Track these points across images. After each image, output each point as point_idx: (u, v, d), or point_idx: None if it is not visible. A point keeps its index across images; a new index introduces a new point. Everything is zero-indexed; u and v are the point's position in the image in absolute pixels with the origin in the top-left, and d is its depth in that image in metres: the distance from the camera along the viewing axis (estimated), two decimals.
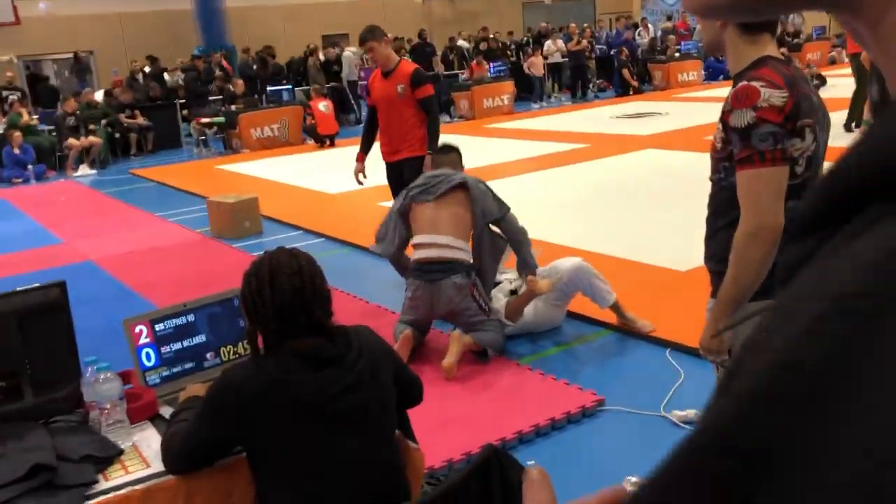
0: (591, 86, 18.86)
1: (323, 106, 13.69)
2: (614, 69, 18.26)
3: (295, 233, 7.54)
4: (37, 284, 2.07)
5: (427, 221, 4.17)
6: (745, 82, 1.89)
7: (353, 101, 17.08)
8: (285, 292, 1.76)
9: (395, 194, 5.33)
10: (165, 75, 16.71)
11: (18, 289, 2.05)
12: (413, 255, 4.24)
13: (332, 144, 13.57)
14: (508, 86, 16.63)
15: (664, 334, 4.25)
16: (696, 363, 3.96)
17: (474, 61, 17.40)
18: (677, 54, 19.36)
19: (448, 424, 3.48)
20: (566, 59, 18.09)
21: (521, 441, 3.35)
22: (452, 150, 4.58)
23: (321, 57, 17.08)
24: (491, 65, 17.64)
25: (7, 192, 11.53)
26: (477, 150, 11.68)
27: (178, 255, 7.13)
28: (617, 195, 7.88)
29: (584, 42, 18.15)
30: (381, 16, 22.50)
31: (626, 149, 10.50)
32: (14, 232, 8.62)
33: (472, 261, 4.17)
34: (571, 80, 18.26)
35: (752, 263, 1.90)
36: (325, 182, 9.50)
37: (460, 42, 19.79)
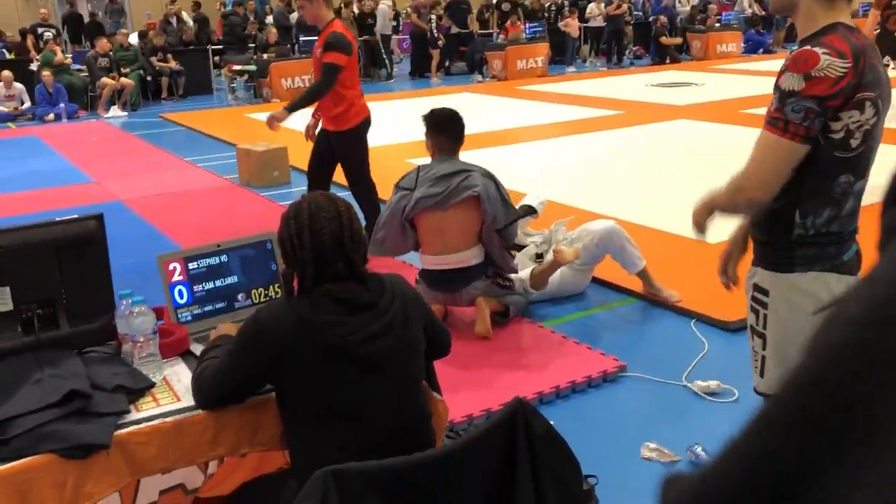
0: (627, 52, 18.56)
1: None
2: (651, 36, 17.94)
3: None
4: (75, 216, 2.09)
5: (434, 235, 3.91)
6: (808, 46, 1.85)
7: (385, 56, 16.94)
8: (325, 237, 1.76)
9: (314, 161, 5.24)
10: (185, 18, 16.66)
11: (57, 219, 2.07)
12: (423, 263, 4.05)
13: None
14: (543, 48, 16.41)
15: (690, 305, 4.23)
16: (720, 335, 3.94)
17: (509, 21, 17.16)
18: (717, 25, 18.97)
19: (470, 382, 3.50)
20: (606, 24, 17.78)
21: (542, 402, 3.37)
22: (461, 133, 4.08)
23: (355, 10, 16.91)
24: (527, 26, 17.39)
25: (38, 129, 11.62)
26: (508, 111, 11.58)
27: (205, 200, 7.18)
28: (648, 164, 7.79)
29: (624, 6, 17.81)
30: None
31: (659, 118, 10.36)
32: (45, 169, 8.70)
33: (484, 258, 3.98)
34: (607, 45, 17.98)
35: (730, 205, 2.02)
36: None
37: (495, 0, 19.51)
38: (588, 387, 3.51)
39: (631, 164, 7.82)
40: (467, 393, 3.38)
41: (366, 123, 5.19)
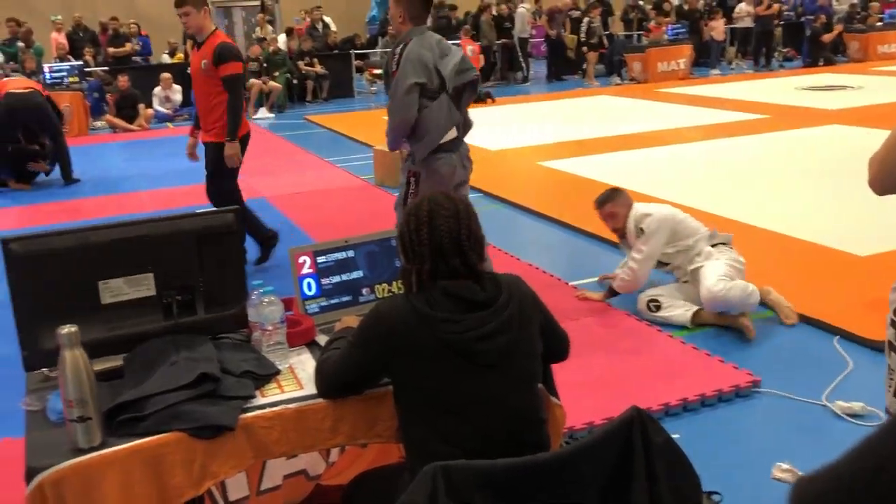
0: (776, 54, 17.67)
1: (470, 50, 13.82)
2: (804, 37, 16.99)
3: None
4: (215, 209, 2.20)
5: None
6: None
7: (522, 59, 16.92)
8: (442, 233, 1.78)
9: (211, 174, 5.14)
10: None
11: (199, 211, 2.19)
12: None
13: (492, 100, 13.52)
14: (686, 49, 15.91)
15: (834, 321, 3.97)
16: (867, 354, 3.68)
17: (653, 22, 16.74)
18: (879, 24, 17.74)
19: (592, 387, 3.43)
20: (755, 24, 17.00)
21: (667, 413, 3.25)
22: None
23: (494, 12, 17.01)
24: (669, 27, 16.90)
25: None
26: (647, 113, 11.29)
27: (342, 198, 7.42)
28: (795, 170, 7.39)
29: (776, 6, 16.96)
30: None
31: (809, 123, 9.80)
32: (198, 166, 9.23)
33: None
34: (755, 47, 17.18)
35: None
36: (484, 138, 9.53)
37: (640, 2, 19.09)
38: (718, 401, 3.36)
39: (776, 171, 7.43)
40: (589, 400, 3.31)
41: (245, 138, 5.11)
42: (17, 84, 8.74)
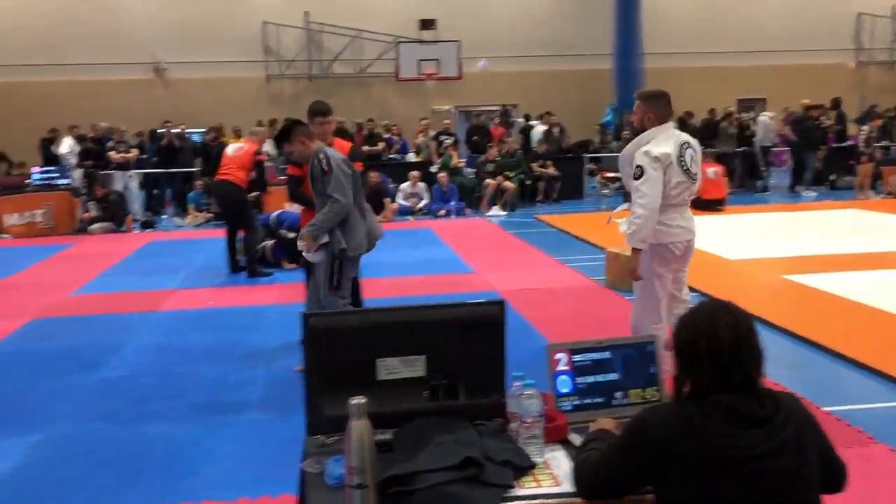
0: None
1: (711, 172, 13.27)
2: None
3: (690, 294, 7.38)
4: (481, 300, 2.33)
5: None
6: None
7: (763, 167, 16.31)
8: (722, 344, 1.75)
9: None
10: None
11: (466, 301, 2.33)
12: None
13: (721, 209, 13.05)
14: None
15: None
16: None
17: None
18: None
19: None
20: None
21: None
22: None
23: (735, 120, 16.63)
24: None
25: (431, 223, 13.13)
26: None
27: (572, 298, 7.45)
28: None
29: None
30: (807, 81, 21.22)
31: None
32: (436, 258, 9.77)
33: None
34: None
35: None
36: (720, 246, 9.21)
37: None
38: None
39: None
40: None
41: None
42: (225, 163, 9.06)
